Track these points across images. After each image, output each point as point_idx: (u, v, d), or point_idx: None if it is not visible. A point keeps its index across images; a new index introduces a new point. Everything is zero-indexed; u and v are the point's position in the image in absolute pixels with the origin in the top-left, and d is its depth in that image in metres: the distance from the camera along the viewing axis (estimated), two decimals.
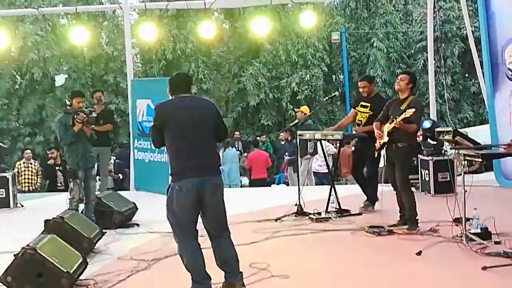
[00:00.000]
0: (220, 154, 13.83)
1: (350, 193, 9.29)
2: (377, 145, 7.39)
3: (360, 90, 8.77)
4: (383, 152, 7.55)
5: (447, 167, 9.28)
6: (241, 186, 15.73)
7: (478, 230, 6.39)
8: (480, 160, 6.37)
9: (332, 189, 8.49)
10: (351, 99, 22.22)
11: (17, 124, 23.25)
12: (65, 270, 5.23)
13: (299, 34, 22.93)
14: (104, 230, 7.34)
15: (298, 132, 9.17)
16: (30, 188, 13.79)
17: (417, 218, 7.18)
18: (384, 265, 5.98)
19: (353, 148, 9.25)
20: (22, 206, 10.49)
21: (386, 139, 7.20)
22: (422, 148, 10.27)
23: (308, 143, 11.59)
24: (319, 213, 8.26)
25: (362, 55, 24.93)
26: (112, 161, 13.93)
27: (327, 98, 9.84)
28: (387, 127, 7.21)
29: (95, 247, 6.90)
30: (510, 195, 9.62)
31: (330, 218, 8.15)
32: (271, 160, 17.59)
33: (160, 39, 21.39)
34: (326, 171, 11.18)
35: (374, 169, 8.93)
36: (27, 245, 5.31)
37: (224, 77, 24.95)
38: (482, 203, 7.11)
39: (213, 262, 5.05)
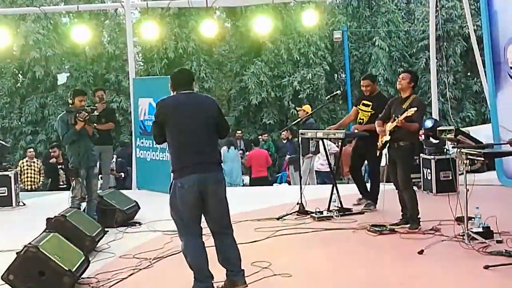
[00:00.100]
0: (222, 153, 13.82)
1: (352, 192, 9.28)
2: (379, 144, 7.40)
3: (363, 89, 8.77)
4: (384, 151, 7.55)
5: (449, 166, 9.26)
6: (243, 185, 15.73)
7: (480, 229, 6.39)
8: (482, 159, 6.37)
9: (334, 188, 8.48)
10: (353, 98, 22.21)
11: (19, 123, 23.25)
12: (67, 269, 5.23)
13: (301, 33, 22.92)
14: (106, 229, 7.35)
15: (300, 131, 9.17)
16: (33, 186, 13.81)
17: (419, 217, 7.18)
18: (386, 264, 5.98)
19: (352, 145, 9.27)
20: (24, 204, 10.50)
21: (388, 138, 7.20)
22: (424, 147, 10.26)
23: (310, 142, 11.59)
24: (321, 212, 8.26)
25: (364, 53, 24.91)
26: (114, 159, 13.93)
27: (329, 97, 9.80)
28: (389, 126, 7.21)
29: (97, 245, 6.90)
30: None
31: (332, 217, 8.14)
32: (272, 159, 17.59)
33: (162, 38, 21.38)
34: (328, 170, 11.19)
35: (376, 168, 8.93)
36: (29, 243, 5.31)
37: (226, 76, 24.94)
38: (484, 202, 7.09)
39: (215, 260, 5.06)
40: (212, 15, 21.87)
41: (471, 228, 6.36)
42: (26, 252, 5.20)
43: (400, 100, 7.31)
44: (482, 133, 11.58)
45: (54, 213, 6.87)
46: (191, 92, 5.11)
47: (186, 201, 4.84)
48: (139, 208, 8.72)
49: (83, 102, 8.09)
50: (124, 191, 9.63)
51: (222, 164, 5.11)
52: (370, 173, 9.21)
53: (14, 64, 23.59)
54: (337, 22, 24.50)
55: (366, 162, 9.32)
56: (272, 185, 15.83)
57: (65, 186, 13.11)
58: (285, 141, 16.38)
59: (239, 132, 20.10)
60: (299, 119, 10.55)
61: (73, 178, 7.97)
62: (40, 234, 5.83)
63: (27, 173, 13.86)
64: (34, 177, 13.92)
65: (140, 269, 6.03)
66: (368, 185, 8.99)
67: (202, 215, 5.00)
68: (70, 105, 8.10)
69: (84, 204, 8.07)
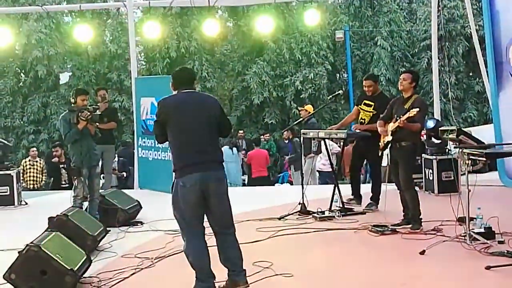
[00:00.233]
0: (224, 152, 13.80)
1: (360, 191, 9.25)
2: (381, 144, 7.40)
3: (365, 89, 8.76)
4: (386, 151, 7.55)
5: (451, 166, 9.26)
6: (244, 185, 15.73)
7: (482, 230, 6.38)
8: (484, 159, 6.37)
9: (336, 188, 8.48)
10: (355, 97, 22.18)
11: (21, 122, 23.27)
12: (69, 268, 5.24)
13: (303, 33, 22.92)
14: (108, 228, 7.36)
15: (302, 130, 9.17)
16: (35, 186, 13.81)
17: (420, 217, 7.19)
18: (387, 264, 5.98)
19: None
20: (26, 203, 10.51)
21: (390, 138, 7.20)
22: (426, 147, 10.26)
23: (312, 141, 11.58)
24: (323, 212, 8.26)
25: (366, 53, 24.90)
26: (116, 159, 13.93)
27: (330, 96, 9.80)
28: (391, 126, 7.22)
29: (99, 244, 6.91)
30: None
31: (334, 217, 8.14)
32: (274, 159, 17.59)
33: (164, 37, 21.38)
34: (330, 170, 11.18)
35: (377, 169, 8.93)
36: (31, 243, 5.32)
37: (228, 75, 24.93)
38: (486, 202, 7.09)
39: (217, 260, 5.06)
40: (214, 14, 21.73)
41: (472, 229, 6.36)
42: (28, 251, 5.21)
43: (402, 100, 7.31)
44: (484, 133, 11.56)
45: (56, 212, 6.87)
46: (193, 91, 5.12)
47: (188, 200, 4.84)
48: (141, 207, 8.73)
49: (85, 101, 8.09)
50: (126, 191, 9.63)
51: (224, 163, 5.11)
52: (372, 173, 9.21)
53: (16, 63, 23.60)
54: (339, 21, 24.51)
55: (366, 162, 9.32)
56: (274, 185, 15.82)
57: (67, 185, 13.12)
58: (287, 141, 16.38)
59: (241, 131, 20.09)
60: (301, 119, 10.55)
61: (75, 178, 7.98)
62: (42, 233, 5.84)
63: (30, 172, 13.86)
64: (37, 176, 13.92)
65: (142, 269, 6.04)
66: (369, 186, 8.97)
67: (205, 214, 5.00)
68: (72, 105, 8.11)
69: (86, 204, 8.08)
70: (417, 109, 6.85)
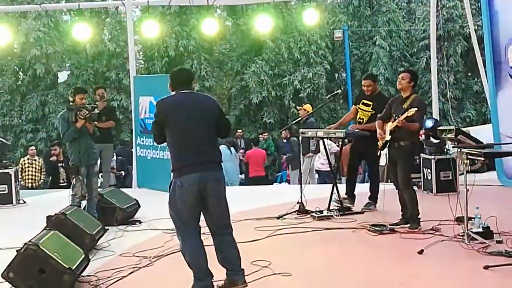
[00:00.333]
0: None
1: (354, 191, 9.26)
2: (380, 144, 7.40)
3: (364, 88, 8.75)
4: (384, 151, 7.55)
5: (449, 166, 9.27)
6: (241, 184, 15.73)
7: (480, 229, 6.39)
8: (483, 159, 6.38)
9: (334, 187, 8.48)
10: (353, 97, 22.19)
11: (20, 120, 23.24)
12: (67, 266, 5.24)
13: (302, 32, 22.92)
14: (106, 227, 7.36)
15: (300, 130, 9.16)
16: (34, 184, 13.80)
17: (419, 216, 7.19)
18: (385, 263, 5.98)
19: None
20: (24, 202, 10.50)
21: (388, 137, 7.20)
22: (425, 146, 10.26)
23: (311, 141, 11.58)
24: (321, 211, 8.26)
25: (364, 53, 24.91)
26: (114, 158, 13.93)
27: (329, 96, 9.81)
28: (389, 126, 7.22)
29: (97, 243, 6.91)
30: None
31: (332, 216, 8.14)
32: (272, 158, 17.59)
33: (163, 36, 21.36)
34: (328, 169, 11.19)
35: (375, 168, 8.93)
36: (29, 241, 5.32)
37: (227, 75, 24.93)
38: (484, 202, 7.10)
39: (215, 259, 5.06)
40: (213, 13, 21.84)
41: (471, 228, 6.36)
42: (26, 250, 5.20)
43: (401, 99, 7.31)
44: (482, 133, 11.57)
45: (54, 211, 6.87)
46: (191, 92, 5.12)
47: (185, 200, 4.85)
48: (139, 206, 8.72)
49: (84, 100, 8.10)
50: (124, 190, 9.63)
51: (222, 163, 5.12)
52: (370, 173, 9.21)
53: (14, 62, 23.58)
54: (338, 21, 24.51)
55: (364, 161, 9.32)
56: (272, 184, 15.82)
57: (65, 184, 13.12)
58: (285, 141, 16.38)
59: (240, 131, 20.10)
60: (299, 118, 10.55)
61: (73, 176, 7.98)
62: (40, 232, 5.84)
63: (28, 171, 13.86)
64: (35, 175, 13.91)
65: (140, 268, 6.04)
66: (368, 185, 8.97)
67: (201, 214, 5.01)
68: (70, 103, 8.11)
69: (84, 202, 8.08)
70: (416, 109, 6.85)
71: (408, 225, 7.19)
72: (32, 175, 13.86)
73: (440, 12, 14.98)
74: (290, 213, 8.37)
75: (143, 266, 6.08)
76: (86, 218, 7.16)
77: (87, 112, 7.85)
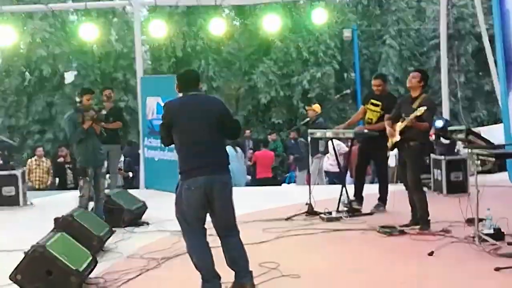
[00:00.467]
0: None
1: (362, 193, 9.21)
2: (389, 144, 7.34)
3: (374, 88, 8.66)
4: (394, 151, 7.49)
5: (460, 166, 9.23)
6: (247, 185, 15.70)
7: (491, 231, 6.33)
8: (494, 159, 6.32)
9: (343, 189, 8.43)
10: (362, 97, 22.14)
11: (26, 121, 23.32)
12: (74, 268, 5.23)
13: (311, 31, 22.91)
14: (113, 228, 7.32)
15: (309, 130, 9.11)
16: (41, 186, 13.81)
17: (429, 218, 7.13)
18: (395, 265, 5.93)
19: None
20: (32, 203, 10.50)
21: (398, 138, 7.15)
22: (435, 147, 10.19)
23: (320, 141, 11.52)
24: (330, 213, 8.20)
25: (374, 52, 24.89)
26: (122, 159, 13.92)
27: (338, 96, 9.80)
28: (399, 126, 7.16)
29: (104, 245, 6.88)
30: None
31: (341, 217, 8.09)
32: (281, 159, 17.55)
33: (170, 36, 21.38)
34: (338, 170, 11.13)
35: (384, 169, 8.87)
36: (37, 243, 5.31)
37: (235, 75, 24.95)
38: (495, 203, 7.05)
39: (223, 261, 5.03)
40: (221, 13, 21.71)
41: (481, 230, 6.31)
42: (33, 252, 5.20)
43: (410, 99, 7.25)
44: (493, 133, 11.50)
45: (61, 212, 6.85)
46: (198, 94, 5.12)
47: (191, 202, 4.85)
48: (146, 208, 8.70)
49: (91, 101, 8.08)
50: (132, 191, 9.61)
51: (230, 165, 5.08)
52: (379, 174, 9.14)
53: (21, 62, 23.67)
54: (347, 20, 24.50)
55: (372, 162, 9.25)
56: (280, 185, 15.78)
57: (72, 185, 13.12)
58: (293, 141, 16.35)
59: (248, 131, 20.08)
60: (308, 119, 10.50)
61: (80, 177, 7.97)
62: (48, 234, 5.83)
63: (36, 172, 13.86)
64: (43, 176, 13.91)
65: (148, 269, 6.00)
66: (377, 186, 8.90)
67: (207, 216, 4.99)
68: (77, 104, 8.09)
69: (91, 204, 8.07)
70: (425, 108, 6.79)
71: (418, 226, 7.12)
72: (39, 176, 13.86)
73: (450, 11, 14.96)
74: (299, 214, 8.33)
75: (151, 268, 6.05)
76: (93, 219, 7.13)
77: (94, 113, 7.85)
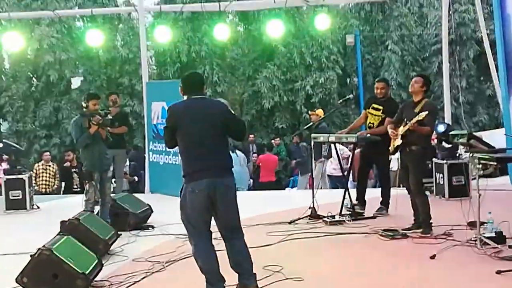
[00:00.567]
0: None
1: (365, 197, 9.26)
2: (391, 148, 7.39)
3: (377, 91, 8.69)
4: (396, 155, 7.54)
5: (461, 170, 9.24)
6: (249, 189, 15.75)
7: (493, 234, 6.37)
8: (495, 163, 6.35)
9: (346, 192, 8.48)
10: (364, 102, 22.17)
11: (33, 126, 23.41)
12: (80, 271, 5.27)
13: (314, 37, 22.95)
14: (119, 232, 7.38)
15: (312, 135, 9.15)
16: (48, 190, 13.86)
17: (431, 221, 7.17)
18: (397, 268, 5.97)
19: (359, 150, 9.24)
20: (38, 207, 10.58)
21: (399, 142, 7.20)
22: (437, 151, 10.23)
23: (323, 146, 11.57)
24: (333, 216, 8.24)
25: (376, 57, 24.90)
26: (127, 163, 13.99)
27: (341, 101, 9.81)
28: (401, 130, 7.21)
29: (110, 248, 6.93)
30: None
31: (344, 221, 8.13)
32: (285, 163, 17.60)
33: (175, 42, 21.49)
34: (340, 174, 11.18)
35: (386, 173, 8.93)
36: (43, 246, 5.36)
37: (239, 80, 24.98)
38: (497, 207, 7.08)
39: (228, 264, 5.08)
40: (225, 19, 21.94)
41: (483, 233, 6.34)
42: (40, 255, 5.24)
43: (412, 104, 7.31)
44: (495, 137, 11.51)
45: (68, 216, 6.91)
46: (202, 97, 5.14)
47: (195, 205, 4.88)
48: (152, 211, 8.75)
49: (97, 106, 8.15)
50: (137, 195, 9.67)
51: (233, 169, 5.14)
52: (381, 177, 9.19)
53: (28, 68, 23.79)
54: (350, 26, 24.54)
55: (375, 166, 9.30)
56: (284, 189, 15.83)
57: (78, 189, 13.18)
58: (296, 146, 16.40)
59: (252, 136, 20.13)
60: (311, 123, 10.54)
61: (86, 182, 8.02)
62: (54, 237, 5.88)
63: (43, 176, 13.92)
64: (49, 181, 13.97)
65: (153, 273, 6.05)
66: (379, 190, 8.95)
67: (212, 219, 5.04)
68: (84, 109, 8.16)
69: (97, 208, 8.12)
70: (426, 112, 6.85)
71: (420, 230, 7.17)
72: (46, 180, 13.92)
73: (452, 17, 14.99)
74: (302, 218, 8.37)
75: (156, 271, 6.10)
76: (99, 223, 7.19)
77: (100, 118, 7.91)
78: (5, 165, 14.18)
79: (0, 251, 7.13)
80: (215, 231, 5.08)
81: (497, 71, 11.33)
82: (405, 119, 7.17)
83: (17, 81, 23.61)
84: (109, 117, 8.19)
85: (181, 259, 6.46)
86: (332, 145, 10.63)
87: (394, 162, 10.23)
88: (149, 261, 6.43)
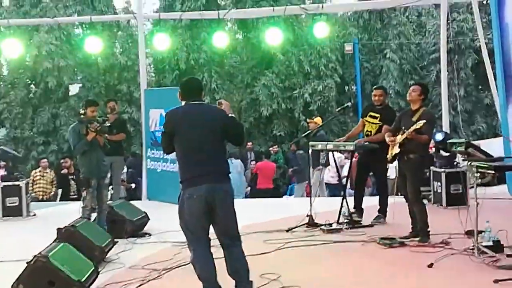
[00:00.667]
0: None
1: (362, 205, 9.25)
2: (389, 156, 7.39)
3: (375, 98, 8.69)
4: (394, 164, 7.54)
5: (459, 179, 9.24)
6: (246, 197, 15.73)
7: (490, 243, 6.36)
8: (493, 172, 6.35)
9: (344, 200, 8.47)
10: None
11: (31, 133, 23.40)
12: (76, 279, 5.26)
13: (312, 45, 22.99)
14: (115, 239, 7.36)
15: (310, 143, 9.15)
16: (45, 197, 13.85)
17: (429, 230, 7.16)
18: (395, 277, 5.96)
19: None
20: (35, 214, 10.55)
21: (397, 150, 7.20)
22: (435, 160, 10.23)
23: (321, 154, 11.56)
24: (331, 224, 8.24)
25: (375, 66, 24.95)
26: (125, 170, 13.97)
27: (339, 109, 9.83)
28: (399, 138, 7.22)
29: (106, 256, 6.92)
30: None
31: (342, 229, 8.12)
32: (283, 171, 17.59)
33: (174, 49, 21.52)
34: (338, 182, 11.17)
35: (384, 181, 8.92)
36: (39, 253, 5.35)
37: (237, 87, 24.99)
38: (495, 215, 7.07)
39: (225, 271, 5.06)
40: (224, 26, 21.97)
41: (481, 242, 6.33)
42: (36, 262, 5.23)
43: (410, 113, 7.31)
44: (493, 146, 11.52)
45: (64, 223, 6.89)
46: (200, 103, 5.15)
47: (193, 211, 4.87)
48: (148, 219, 8.74)
49: (95, 112, 8.14)
50: (134, 202, 9.66)
51: (230, 175, 5.13)
52: (378, 185, 9.18)
53: (27, 75, 23.78)
54: (348, 34, 24.60)
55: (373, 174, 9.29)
56: (282, 197, 15.82)
57: (76, 196, 13.16)
58: (293, 153, 16.41)
59: (250, 143, 20.12)
60: (309, 131, 10.55)
61: (84, 189, 8.02)
62: (50, 244, 5.87)
63: (40, 183, 13.90)
64: (46, 187, 13.95)
65: (149, 280, 6.03)
66: (377, 198, 8.94)
67: (211, 226, 5.02)
68: (82, 116, 8.14)
69: (94, 215, 8.10)
70: (424, 121, 6.85)
71: (418, 238, 7.16)
72: (43, 187, 13.90)
73: (450, 25, 15.03)
74: (300, 226, 8.35)
75: (152, 279, 6.08)
76: (96, 230, 7.18)
77: (98, 124, 7.90)
78: (2, 172, 14.14)
79: None
80: (214, 238, 5.06)
81: (495, 80, 11.35)
82: (403, 128, 7.18)
83: (16, 87, 23.61)
84: (107, 124, 8.18)
85: (178, 267, 6.44)
86: (330, 153, 10.62)
87: (392, 170, 10.23)
88: (146, 269, 6.42)
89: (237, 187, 14.72)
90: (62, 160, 14.55)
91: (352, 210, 8.62)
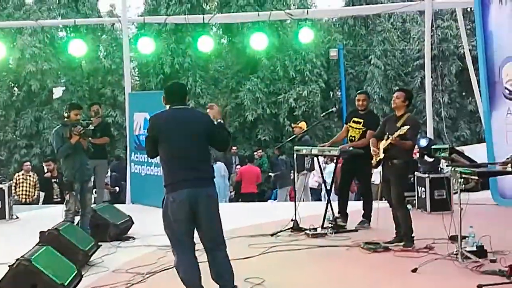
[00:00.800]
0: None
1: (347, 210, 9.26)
2: (373, 162, 7.41)
3: (359, 103, 8.72)
4: (378, 169, 7.56)
5: (443, 184, 9.27)
6: (230, 201, 15.72)
7: (474, 248, 6.38)
8: (476, 178, 6.38)
9: (328, 205, 8.47)
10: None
11: (14, 136, 23.23)
12: (59, 282, 5.22)
13: (297, 50, 23.07)
14: (99, 243, 7.31)
15: (295, 147, 9.16)
16: (28, 200, 13.73)
17: (413, 235, 7.17)
18: (379, 281, 5.96)
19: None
20: (17, 217, 10.46)
21: (382, 155, 7.22)
22: (419, 165, 10.26)
23: (305, 159, 11.57)
24: (315, 229, 8.23)
25: (359, 72, 25.08)
26: (108, 174, 13.90)
27: (324, 114, 9.84)
28: (383, 144, 7.23)
29: (90, 259, 6.87)
30: (506, 214, 9.61)
31: (326, 234, 8.12)
32: (267, 175, 17.59)
33: (158, 53, 21.49)
34: (322, 187, 11.18)
35: (368, 186, 8.94)
36: (22, 257, 5.30)
37: (222, 92, 25.01)
38: (478, 221, 7.09)
39: (209, 276, 5.04)
40: (209, 31, 21.95)
41: (465, 247, 6.35)
42: (18, 266, 5.19)
43: (394, 118, 7.34)
44: (477, 152, 11.59)
45: (47, 226, 6.83)
46: (185, 108, 5.14)
47: (177, 215, 4.85)
48: (132, 222, 8.69)
49: (79, 116, 8.08)
50: (118, 205, 9.60)
51: (214, 179, 5.11)
52: (362, 190, 9.20)
53: (10, 77, 23.66)
54: (333, 40, 24.72)
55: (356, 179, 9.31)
56: (266, 201, 15.82)
57: (59, 199, 13.05)
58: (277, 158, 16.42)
59: (234, 148, 20.11)
60: (294, 136, 10.55)
61: (67, 192, 7.95)
62: (33, 248, 5.81)
63: (22, 186, 13.79)
64: (29, 191, 13.84)
65: (133, 284, 5.99)
66: (361, 203, 8.96)
67: (195, 230, 4.99)
68: (65, 119, 8.09)
69: (77, 218, 8.04)
70: (408, 127, 6.87)
71: (402, 243, 7.17)
72: (26, 190, 13.78)
73: (434, 32, 15.12)
74: (284, 230, 8.34)
75: (136, 283, 6.04)
76: (79, 234, 7.13)
77: (81, 128, 7.84)
78: None
79: None
80: (198, 243, 5.04)
81: (479, 86, 11.42)
82: (387, 133, 7.19)
83: None
84: (91, 127, 8.12)
85: (162, 271, 6.40)
86: (315, 158, 10.63)
87: (376, 175, 10.26)
88: (129, 273, 6.37)
89: (220, 191, 14.71)
90: (45, 163, 14.41)
91: (336, 215, 8.63)
